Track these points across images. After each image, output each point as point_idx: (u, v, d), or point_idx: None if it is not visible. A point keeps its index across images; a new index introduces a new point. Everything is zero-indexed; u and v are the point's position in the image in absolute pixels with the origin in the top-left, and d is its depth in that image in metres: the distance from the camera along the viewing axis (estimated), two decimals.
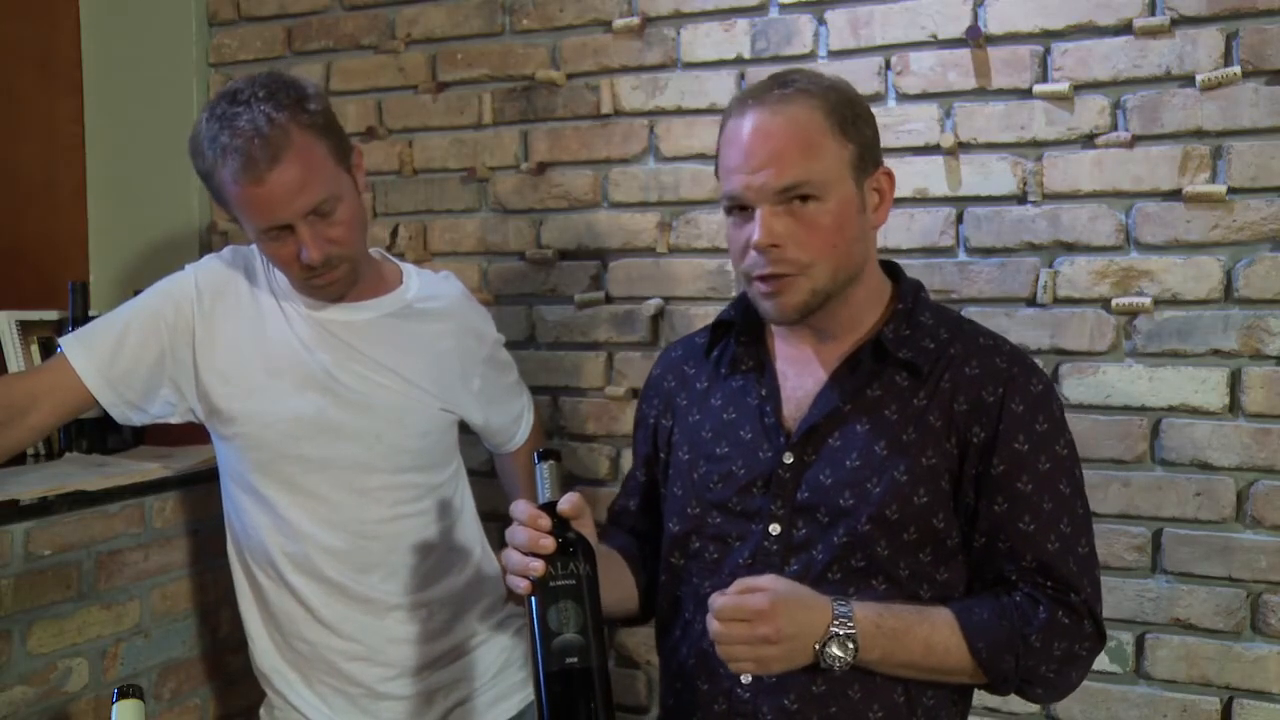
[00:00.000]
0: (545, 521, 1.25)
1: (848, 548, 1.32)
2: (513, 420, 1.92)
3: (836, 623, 1.26)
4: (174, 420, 1.72)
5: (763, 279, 1.33)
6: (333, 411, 1.65)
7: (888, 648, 1.28)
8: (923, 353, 1.36)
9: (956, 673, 1.32)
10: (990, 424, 1.32)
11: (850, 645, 1.25)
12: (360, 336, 1.69)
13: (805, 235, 1.31)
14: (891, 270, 1.46)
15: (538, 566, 1.22)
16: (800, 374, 1.41)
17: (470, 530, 1.82)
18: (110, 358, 1.64)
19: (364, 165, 1.69)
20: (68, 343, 1.66)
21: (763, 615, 1.23)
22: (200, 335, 1.67)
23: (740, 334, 1.46)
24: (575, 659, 1.21)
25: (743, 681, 1.34)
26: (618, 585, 1.48)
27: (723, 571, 1.38)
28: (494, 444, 1.94)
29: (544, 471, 1.30)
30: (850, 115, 1.33)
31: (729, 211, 1.36)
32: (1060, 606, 1.31)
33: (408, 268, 1.82)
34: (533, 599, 1.23)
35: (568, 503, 1.27)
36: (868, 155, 1.35)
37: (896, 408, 1.35)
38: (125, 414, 1.68)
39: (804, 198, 1.30)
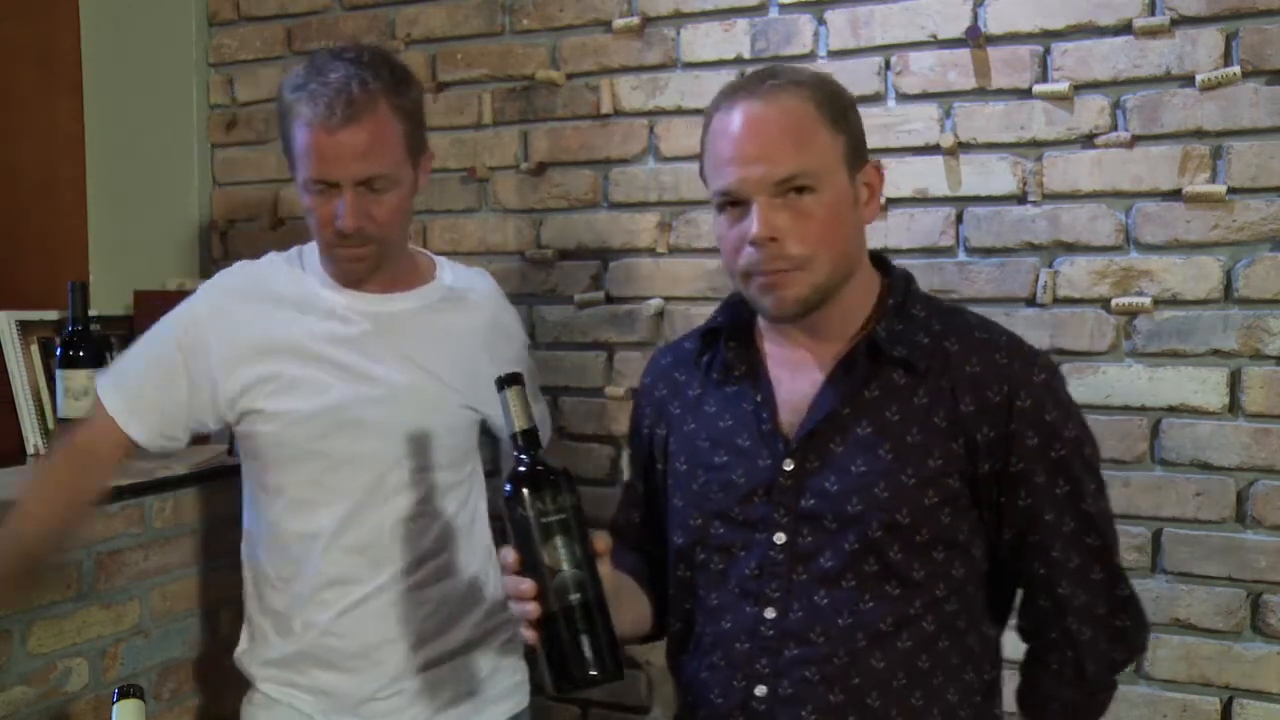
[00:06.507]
0: (528, 586, 1.22)
1: (860, 554, 1.30)
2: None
3: None
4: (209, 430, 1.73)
5: (762, 274, 1.29)
6: (359, 406, 1.65)
7: None
8: (917, 349, 1.33)
9: None
10: (1000, 423, 1.30)
11: None
12: (394, 328, 1.68)
13: (803, 228, 1.27)
14: (881, 263, 1.42)
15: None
16: (794, 377, 1.37)
17: (480, 533, 1.81)
18: (146, 407, 1.64)
19: (430, 170, 1.69)
20: (105, 391, 1.66)
21: None
22: (219, 350, 1.66)
23: (729, 338, 1.42)
24: (578, 595, 1.19)
25: (756, 694, 1.32)
26: (634, 609, 1.46)
27: (729, 582, 1.35)
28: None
29: (509, 397, 1.28)
30: (841, 107, 1.32)
31: (721, 208, 1.32)
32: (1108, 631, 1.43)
33: (440, 260, 1.81)
34: (519, 545, 1.22)
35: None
36: (859, 148, 1.33)
37: (897, 408, 1.32)
38: (166, 448, 1.69)
39: (800, 189, 1.27)
